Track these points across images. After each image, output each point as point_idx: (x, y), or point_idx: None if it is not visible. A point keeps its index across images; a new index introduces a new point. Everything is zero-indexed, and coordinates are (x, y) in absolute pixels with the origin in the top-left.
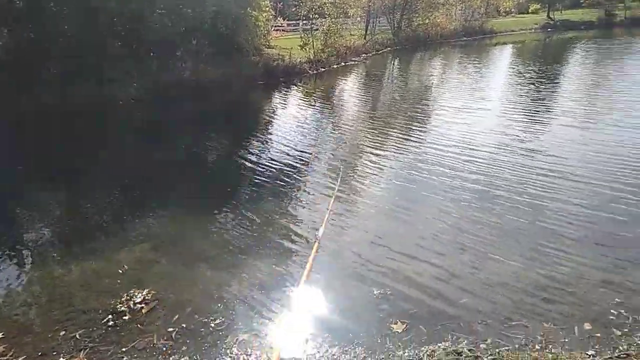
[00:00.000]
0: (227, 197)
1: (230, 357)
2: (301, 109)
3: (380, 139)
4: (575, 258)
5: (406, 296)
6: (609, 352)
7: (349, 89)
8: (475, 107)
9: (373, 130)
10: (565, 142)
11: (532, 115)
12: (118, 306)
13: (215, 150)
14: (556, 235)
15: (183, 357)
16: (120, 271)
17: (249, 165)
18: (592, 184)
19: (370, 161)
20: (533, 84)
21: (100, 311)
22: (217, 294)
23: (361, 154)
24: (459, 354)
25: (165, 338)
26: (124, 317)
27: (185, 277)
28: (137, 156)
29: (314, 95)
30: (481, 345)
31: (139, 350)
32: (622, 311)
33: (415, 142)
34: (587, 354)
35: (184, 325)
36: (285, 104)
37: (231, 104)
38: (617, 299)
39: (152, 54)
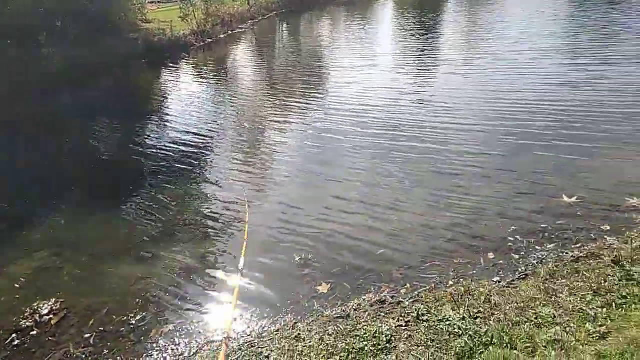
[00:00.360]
0: (130, 188)
1: (158, 350)
2: (194, 84)
3: (280, 106)
4: (473, 197)
5: (327, 257)
6: (511, 275)
7: (241, 58)
8: (365, 64)
9: (272, 99)
10: (451, 90)
11: (417, 67)
12: (22, 323)
13: (107, 141)
14: (454, 178)
15: (115, 357)
16: (17, 285)
17: (149, 151)
18: (480, 127)
19: (275, 130)
20: (414, 35)
21: (0, 332)
22: (135, 290)
23: (264, 124)
24: (383, 302)
25: (82, 345)
26: (31, 333)
27: (95, 279)
28: (20, 156)
29: (206, 68)
30: (401, 291)
31: None
32: (518, 237)
33: (315, 106)
34: (494, 281)
35: (102, 329)
36: (176, 81)
37: (115, 87)
38: (512, 227)
39: (8, 42)
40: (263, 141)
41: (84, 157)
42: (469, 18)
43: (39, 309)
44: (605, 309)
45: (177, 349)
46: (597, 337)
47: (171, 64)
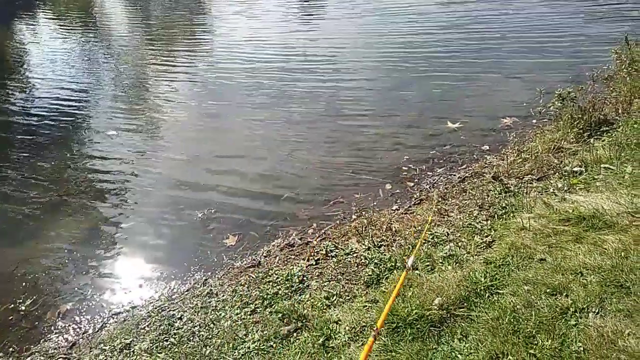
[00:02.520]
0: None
1: (58, 332)
2: (58, 37)
3: (163, 56)
4: (368, 133)
5: (231, 210)
6: (407, 202)
7: (110, 5)
8: (248, 11)
9: (153, 49)
10: (339, 33)
11: (302, 13)
12: None
13: None
14: (348, 117)
15: None
16: None
17: (14, 120)
18: (368, 66)
19: (160, 82)
20: None
21: None
22: (19, 274)
23: (147, 77)
24: (292, 245)
25: None
26: None
27: None
28: None
29: (69, 17)
30: (309, 231)
31: None
32: (411, 166)
33: (205, 51)
34: (393, 209)
35: None
36: (34, 34)
37: None
38: (405, 157)
39: None
40: (148, 96)
41: None
42: None
43: None
44: (489, 221)
45: (80, 327)
46: (484, 247)
47: (25, 13)
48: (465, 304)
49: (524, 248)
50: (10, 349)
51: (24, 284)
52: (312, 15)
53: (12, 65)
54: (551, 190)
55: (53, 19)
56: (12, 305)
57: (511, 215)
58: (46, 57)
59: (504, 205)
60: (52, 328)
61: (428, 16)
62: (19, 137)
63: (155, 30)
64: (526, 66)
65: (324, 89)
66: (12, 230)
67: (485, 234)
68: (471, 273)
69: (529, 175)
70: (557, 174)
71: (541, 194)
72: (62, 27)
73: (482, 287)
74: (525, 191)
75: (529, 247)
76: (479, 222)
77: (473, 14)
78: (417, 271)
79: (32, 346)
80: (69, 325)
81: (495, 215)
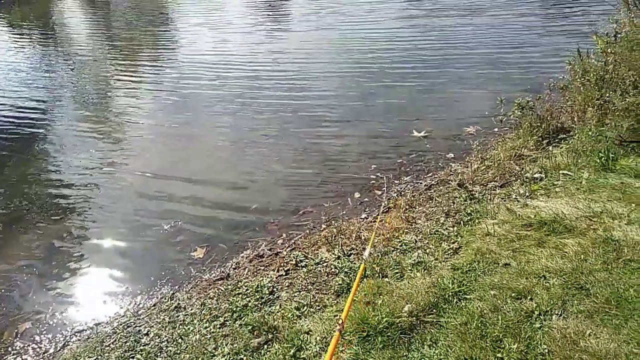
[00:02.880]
0: None
1: (16, 353)
2: (14, 47)
3: (126, 65)
4: (336, 141)
5: (198, 221)
6: (376, 210)
7: (70, 15)
8: (214, 20)
9: (115, 58)
10: (304, 43)
11: (265, 23)
12: None
13: None
14: (316, 125)
15: None
16: None
17: None
18: (334, 75)
19: (124, 91)
20: None
21: None
22: None
23: (110, 87)
24: (261, 256)
25: None
26: None
27: None
28: None
29: (27, 26)
30: (278, 242)
31: None
32: (379, 174)
33: (169, 63)
34: (362, 218)
35: None
36: None
37: None
38: (373, 166)
39: None
40: (110, 108)
41: None
42: None
43: None
44: (455, 228)
45: (40, 347)
46: (451, 253)
47: None
48: (435, 310)
49: (489, 253)
50: None
51: None
52: (276, 26)
53: None
54: (513, 197)
55: (8, 27)
56: None
57: (476, 221)
58: (1, 68)
59: (469, 211)
60: (10, 349)
61: (391, 31)
62: None
63: (117, 42)
64: (487, 78)
65: (290, 99)
66: None
67: (452, 241)
68: (439, 279)
69: (492, 182)
70: (518, 180)
71: (504, 200)
72: (18, 37)
73: (450, 293)
74: (489, 198)
75: (494, 252)
76: (446, 228)
77: (434, 29)
78: (386, 279)
79: None
80: (28, 345)
81: (462, 222)
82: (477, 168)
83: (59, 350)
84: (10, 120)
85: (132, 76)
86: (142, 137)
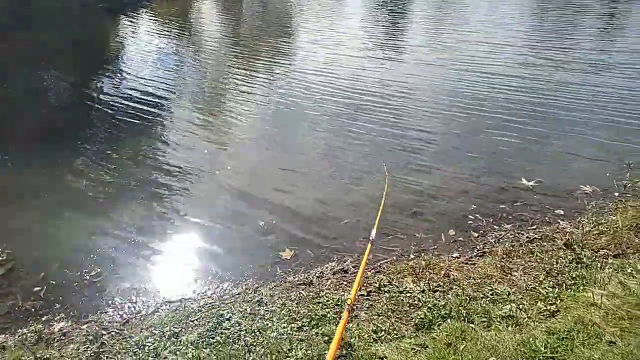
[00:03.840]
0: (81, 139)
1: (114, 307)
2: (156, 36)
3: (245, 69)
4: (435, 174)
5: (291, 225)
6: (469, 252)
7: (207, 14)
8: (332, 39)
9: (237, 60)
10: (412, 74)
11: (382, 49)
12: None
13: (59, 89)
14: (416, 155)
15: (58, 315)
16: None
17: (104, 103)
18: (440, 109)
19: (237, 93)
20: (384, 18)
21: None
22: (89, 245)
23: (226, 86)
24: (345, 271)
25: (32, 298)
26: None
27: (46, 231)
28: None
29: (168, 21)
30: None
31: (3, 315)
32: (478, 216)
33: (280, 76)
34: (453, 256)
35: (53, 282)
36: (135, 32)
37: (72, 34)
38: (473, 206)
39: None
40: (223, 107)
41: (31, 103)
42: (443, 11)
43: None
44: (556, 289)
45: (134, 307)
46: (548, 315)
47: (131, 12)
48: None
49: (592, 325)
50: (71, 313)
51: (92, 255)
52: (385, 55)
53: (110, 56)
54: (629, 270)
55: (154, 20)
56: (79, 273)
57: (581, 288)
58: (141, 53)
59: (574, 275)
60: (110, 302)
61: (507, 77)
62: (101, 118)
63: (238, 47)
64: (614, 133)
65: (390, 126)
66: (88, 203)
67: (550, 302)
68: (531, 339)
69: (605, 250)
70: (637, 254)
71: (617, 272)
72: (160, 29)
73: (542, 357)
74: (599, 265)
75: (598, 325)
76: (545, 287)
77: (555, 82)
78: (472, 325)
79: (90, 315)
80: (125, 303)
81: (564, 285)
82: (589, 231)
83: (149, 314)
84: (134, 103)
85: (244, 83)
86: (244, 141)
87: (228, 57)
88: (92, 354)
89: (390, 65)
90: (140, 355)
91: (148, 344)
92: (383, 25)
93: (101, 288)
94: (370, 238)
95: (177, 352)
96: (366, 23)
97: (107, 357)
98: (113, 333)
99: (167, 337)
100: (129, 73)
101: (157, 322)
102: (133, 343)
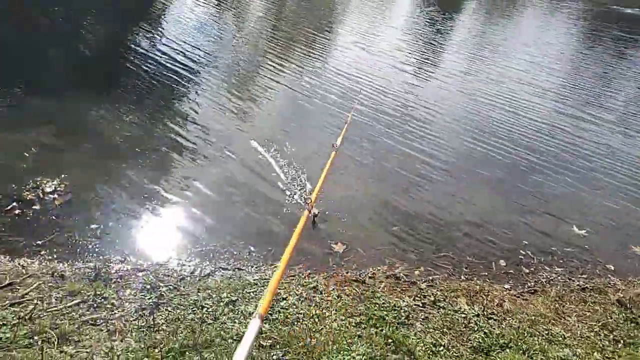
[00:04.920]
0: (120, 89)
1: (169, 261)
2: (201, 5)
3: (278, 60)
4: (488, 204)
5: (344, 218)
6: (520, 287)
7: None
8: (368, 42)
9: (273, 49)
10: (452, 92)
11: (424, 68)
12: (24, 194)
13: (99, 37)
14: (471, 178)
15: (114, 256)
16: (17, 157)
17: (139, 58)
18: (494, 145)
19: (267, 81)
20: (435, 31)
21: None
22: (145, 192)
23: (259, 73)
24: (397, 278)
25: (88, 235)
26: (33, 207)
27: (102, 171)
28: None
29: None
30: (415, 272)
31: (59, 245)
32: (529, 252)
33: (311, 71)
34: (505, 287)
35: (110, 224)
36: None
37: None
38: (524, 242)
39: None
40: (251, 87)
41: (71, 47)
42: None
43: (42, 185)
44: (612, 344)
45: (189, 266)
46: None
47: None
48: None
49: None
50: (127, 259)
51: (148, 204)
52: (422, 76)
53: (154, 14)
54: None
55: None
56: (135, 221)
57: (639, 348)
58: (183, 18)
59: (631, 335)
60: (165, 256)
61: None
62: (131, 75)
63: (278, 32)
64: None
65: (411, 147)
66: (143, 154)
67: (608, 355)
68: None
69: None
70: None
71: None
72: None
73: None
74: None
75: None
76: (600, 339)
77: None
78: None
79: (145, 263)
80: (180, 260)
81: (621, 341)
82: None
83: (204, 276)
84: (170, 64)
85: (276, 70)
86: (264, 125)
87: (265, 41)
88: (151, 303)
89: (419, 83)
90: (199, 314)
91: (206, 306)
92: (425, 42)
93: (156, 240)
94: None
95: (236, 321)
96: (409, 36)
97: (166, 310)
98: (170, 287)
99: (224, 303)
100: (169, 33)
101: (213, 286)
102: (191, 301)
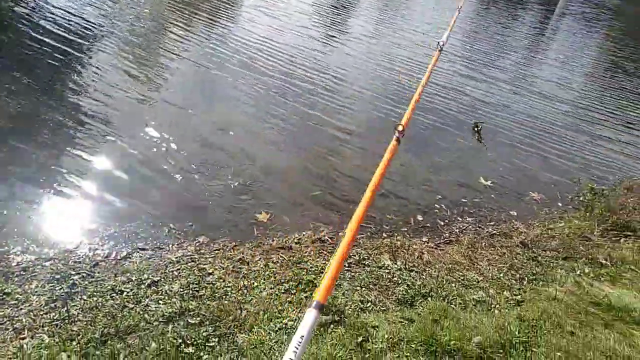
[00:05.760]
0: (4, 61)
1: (79, 247)
2: None
3: (181, 24)
4: (402, 161)
5: (265, 188)
6: (437, 239)
7: None
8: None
9: (174, 14)
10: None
11: (328, 28)
12: None
13: None
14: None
15: (14, 247)
16: None
17: (24, 25)
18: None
19: (169, 46)
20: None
21: None
22: (43, 174)
23: (161, 37)
24: (323, 241)
25: None
26: None
27: None
28: None
29: None
30: (339, 234)
31: None
32: (443, 206)
33: (216, 35)
34: (423, 240)
35: (5, 212)
36: None
37: None
38: (438, 196)
39: None
40: (152, 52)
41: None
42: None
43: None
44: (519, 282)
45: (103, 250)
46: (514, 304)
47: None
48: (502, 351)
49: (555, 317)
50: (29, 249)
51: (48, 189)
52: (334, 35)
53: None
54: (577, 272)
55: None
56: (32, 205)
57: (541, 283)
58: None
59: (533, 272)
60: (74, 241)
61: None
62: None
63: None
64: (572, 151)
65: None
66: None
67: (515, 292)
68: (506, 324)
69: (555, 252)
70: (583, 259)
71: (568, 272)
72: None
73: (518, 341)
74: (552, 265)
75: (560, 317)
76: (508, 279)
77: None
78: (452, 305)
79: (51, 251)
80: (92, 245)
81: (525, 279)
82: (540, 234)
83: (121, 259)
84: (60, 31)
85: (177, 39)
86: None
87: (164, 4)
88: (63, 293)
89: (329, 45)
90: (119, 300)
91: (126, 290)
92: (329, 6)
93: (61, 225)
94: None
95: (161, 302)
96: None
97: (81, 299)
98: (83, 274)
99: (146, 285)
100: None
101: (132, 268)
102: (109, 287)
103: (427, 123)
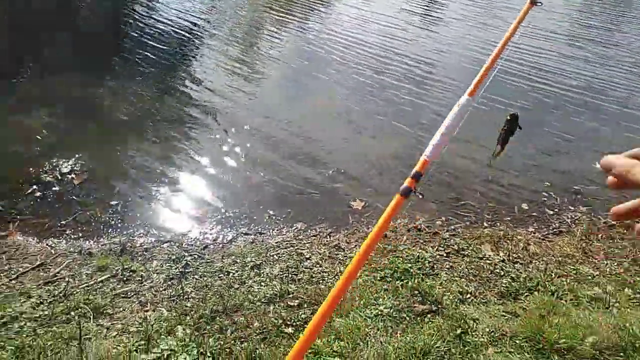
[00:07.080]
0: (121, 63)
1: (190, 231)
2: None
3: (281, 19)
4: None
5: (359, 176)
6: (545, 229)
7: None
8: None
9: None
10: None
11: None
12: (42, 176)
13: (93, 10)
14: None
15: (138, 230)
16: (28, 139)
17: (140, 28)
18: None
19: (270, 39)
20: None
21: (20, 181)
22: (159, 165)
23: (261, 34)
24: (419, 230)
25: (110, 211)
26: (53, 189)
27: (114, 147)
28: None
29: None
30: (437, 222)
31: (83, 223)
32: (552, 194)
33: (315, 24)
34: (529, 230)
35: (129, 199)
36: None
37: None
38: (546, 183)
39: None
40: (254, 48)
41: (66, 23)
42: None
43: (59, 167)
44: None
45: (211, 234)
46: (637, 304)
47: None
48: (623, 354)
49: None
50: (150, 231)
51: (163, 178)
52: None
53: None
54: None
55: None
56: (154, 193)
57: None
58: None
59: None
60: (186, 225)
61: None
62: (132, 46)
63: None
64: None
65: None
66: (150, 127)
67: (639, 291)
68: (627, 324)
69: None
70: None
71: None
72: None
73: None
74: None
75: None
76: (631, 275)
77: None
78: (561, 301)
79: (168, 235)
80: (201, 229)
81: None
82: None
83: (227, 243)
84: (171, 33)
85: (279, 31)
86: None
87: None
88: (178, 272)
89: (420, 36)
90: (226, 280)
91: (232, 271)
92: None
93: (176, 211)
94: None
95: (262, 283)
96: None
97: (193, 278)
98: (195, 256)
99: (249, 267)
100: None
101: (236, 251)
102: (217, 268)
103: (533, 97)
